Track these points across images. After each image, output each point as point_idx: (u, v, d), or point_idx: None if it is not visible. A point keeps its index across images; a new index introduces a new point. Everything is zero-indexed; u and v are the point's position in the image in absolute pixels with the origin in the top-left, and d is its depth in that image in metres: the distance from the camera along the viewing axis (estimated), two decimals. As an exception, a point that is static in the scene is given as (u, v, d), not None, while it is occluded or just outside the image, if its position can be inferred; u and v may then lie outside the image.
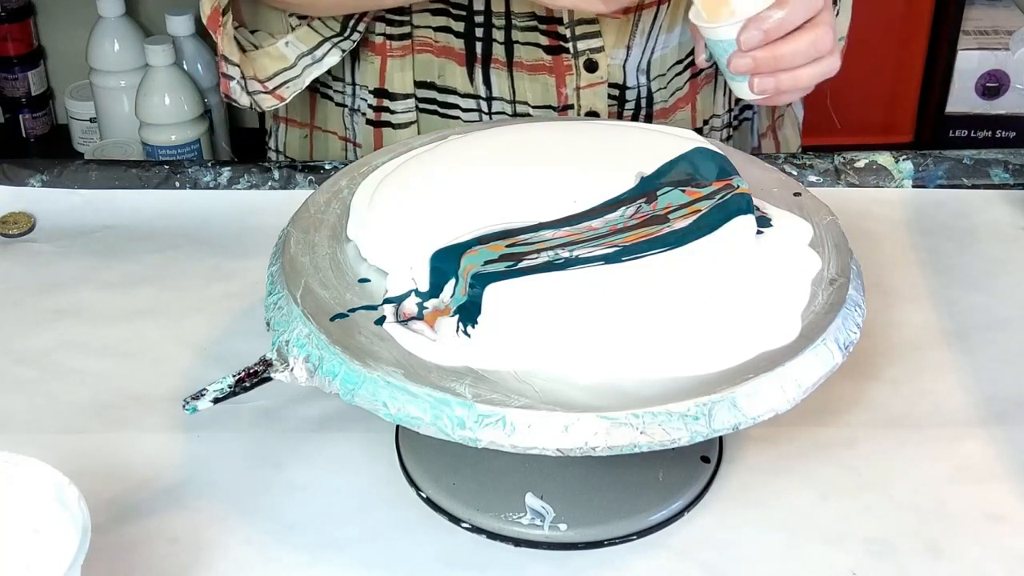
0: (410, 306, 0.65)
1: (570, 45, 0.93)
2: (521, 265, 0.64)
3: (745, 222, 0.67)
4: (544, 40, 0.93)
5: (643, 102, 0.97)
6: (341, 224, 0.71)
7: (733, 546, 0.66)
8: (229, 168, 0.97)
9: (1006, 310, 0.84)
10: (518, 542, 0.66)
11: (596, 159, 0.74)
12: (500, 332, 0.62)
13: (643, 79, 0.96)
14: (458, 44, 0.94)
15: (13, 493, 0.56)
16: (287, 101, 0.96)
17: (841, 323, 0.64)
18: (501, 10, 0.92)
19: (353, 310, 0.65)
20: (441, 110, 0.97)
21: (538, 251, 0.65)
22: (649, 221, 0.68)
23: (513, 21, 0.93)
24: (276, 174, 0.97)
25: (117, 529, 0.66)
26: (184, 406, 0.64)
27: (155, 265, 0.88)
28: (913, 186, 0.97)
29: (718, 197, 0.69)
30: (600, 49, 0.94)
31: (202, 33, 1.69)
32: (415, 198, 0.70)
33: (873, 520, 0.68)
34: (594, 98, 0.95)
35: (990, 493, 0.69)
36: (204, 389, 0.64)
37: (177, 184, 0.96)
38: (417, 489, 0.69)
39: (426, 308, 0.65)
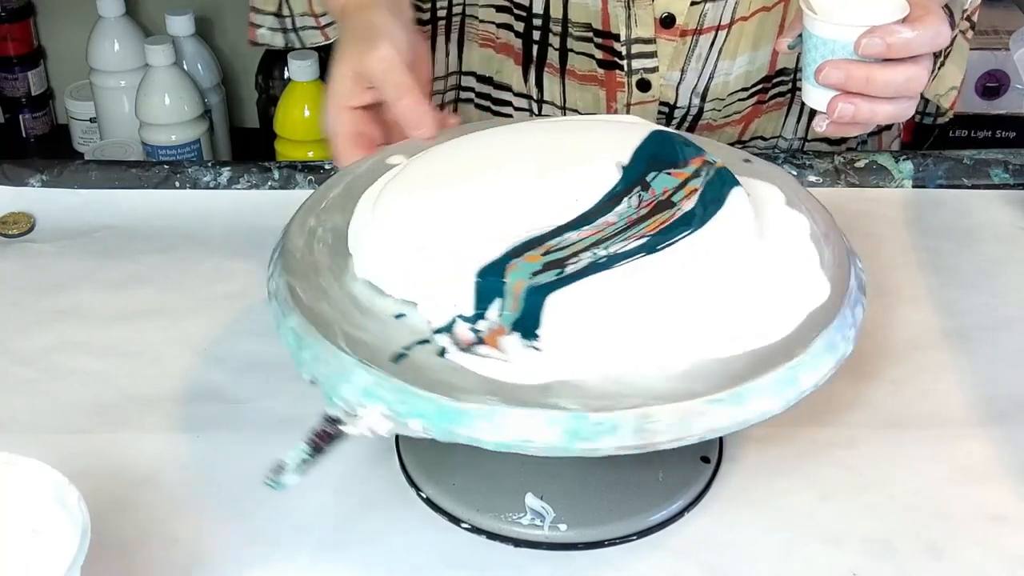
0: (464, 332, 0.62)
1: (624, 63, 0.93)
2: (568, 271, 0.63)
3: (740, 193, 0.69)
4: (599, 53, 0.93)
5: (690, 119, 0.97)
6: (335, 257, 0.68)
7: (733, 546, 0.66)
8: (229, 168, 0.97)
9: (1006, 310, 0.84)
10: (518, 542, 0.66)
11: (572, 157, 0.74)
12: (571, 339, 0.61)
13: (696, 100, 0.96)
14: (517, 43, 0.95)
15: (13, 493, 0.56)
16: (331, 40, 0.96)
17: (841, 323, 0.64)
18: (559, 16, 0.92)
19: (409, 348, 0.62)
20: (495, 107, 0.98)
21: (575, 254, 0.65)
22: (658, 207, 0.68)
23: (570, 29, 0.93)
24: (276, 174, 0.97)
25: (117, 529, 0.66)
26: (269, 484, 0.61)
27: (155, 265, 0.88)
28: (913, 186, 0.97)
29: (704, 175, 0.70)
30: (654, 70, 0.93)
31: (202, 33, 1.69)
32: (421, 225, 0.67)
33: (873, 520, 0.68)
34: (644, 114, 0.95)
35: (990, 493, 0.69)
36: (281, 463, 0.61)
37: (177, 184, 0.96)
38: (417, 489, 0.69)
39: (480, 331, 0.62)
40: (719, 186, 0.69)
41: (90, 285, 0.86)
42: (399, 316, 0.63)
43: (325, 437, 0.60)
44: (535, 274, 0.63)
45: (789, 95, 0.98)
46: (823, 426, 0.73)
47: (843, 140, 1.03)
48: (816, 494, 0.69)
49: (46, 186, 0.96)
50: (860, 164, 0.97)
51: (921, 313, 0.83)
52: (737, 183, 0.69)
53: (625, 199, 0.69)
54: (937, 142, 1.69)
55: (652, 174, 0.71)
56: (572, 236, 0.66)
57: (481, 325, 0.62)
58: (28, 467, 0.56)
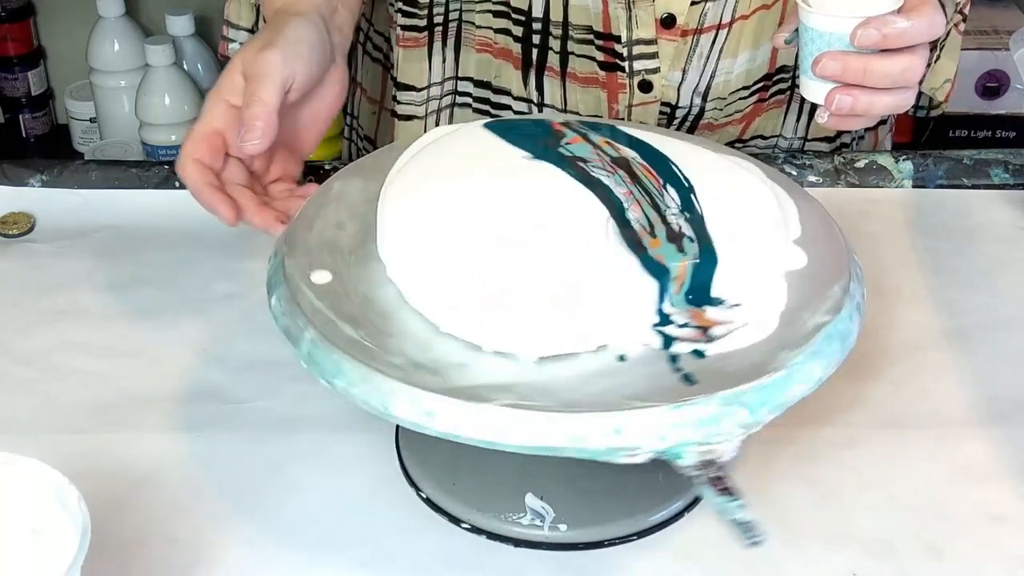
0: (682, 332, 0.61)
1: (626, 64, 0.93)
2: (695, 237, 0.67)
3: (624, 126, 0.79)
4: (600, 56, 0.93)
5: (691, 118, 0.97)
6: (452, 362, 0.60)
7: (733, 546, 0.66)
8: (229, 168, 0.97)
9: (1006, 310, 0.84)
10: (518, 542, 0.66)
11: (502, 163, 0.74)
12: (747, 283, 0.64)
13: (698, 100, 0.96)
14: (516, 48, 0.95)
15: (13, 493, 0.56)
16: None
17: (842, 323, 0.65)
18: (559, 19, 0.92)
19: (679, 369, 0.59)
20: (494, 111, 0.98)
21: (668, 224, 0.68)
22: (621, 164, 0.73)
23: (570, 32, 0.93)
24: (276, 174, 0.96)
25: (117, 529, 0.66)
26: (756, 542, 0.57)
27: (155, 265, 0.88)
28: (913, 186, 0.97)
29: (590, 130, 0.77)
30: (656, 70, 0.93)
31: (202, 33, 1.69)
32: (514, 278, 0.64)
33: (873, 520, 0.68)
34: (646, 114, 0.95)
35: (990, 493, 0.69)
36: (743, 523, 0.57)
37: (177, 184, 0.96)
38: (417, 489, 0.69)
39: (689, 322, 0.62)
40: (610, 131, 0.77)
41: (90, 285, 0.86)
42: (622, 358, 0.60)
43: (720, 480, 0.57)
44: (678, 253, 0.66)
45: (789, 92, 0.98)
46: (823, 426, 0.73)
47: (839, 135, 1.03)
48: (816, 494, 0.69)
49: (46, 186, 0.96)
50: (860, 164, 0.97)
51: (921, 313, 0.83)
52: (611, 125, 0.78)
53: (596, 174, 0.72)
54: (933, 136, 1.70)
55: (562, 150, 0.74)
56: (635, 215, 0.69)
57: (678, 320, 0.62)
58: (28, 467, 0.56)
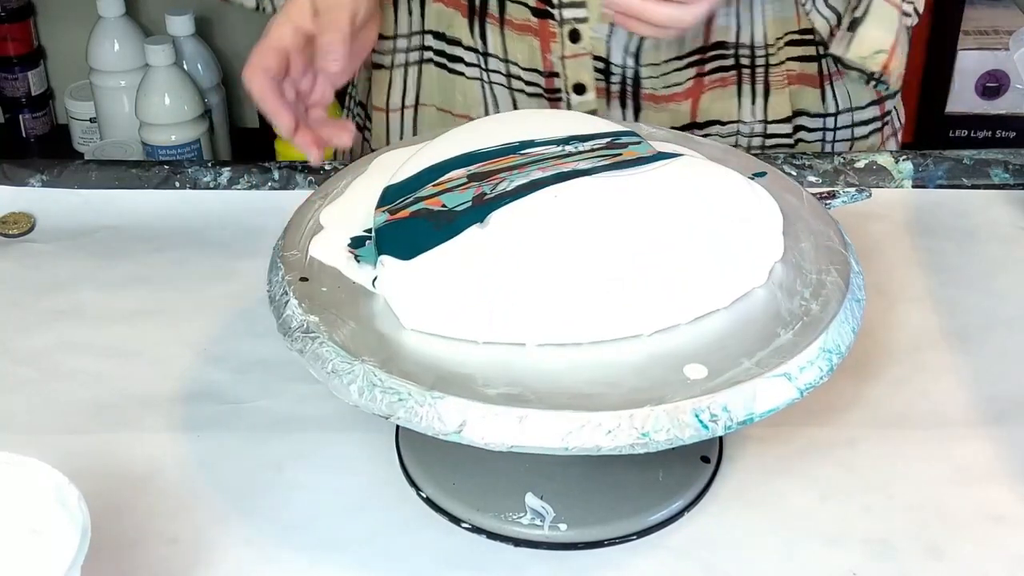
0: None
1: (556, 12, 0.94)
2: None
3: None
4: (532, 2, 0.94)
5: (629, 83, 0.97)
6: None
7: (733, 546, 0.66)
8: (229, 168, 0.97)
9: (1006, 310, 0.84)
10: (518, 542, 0.66)
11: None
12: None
13: (631, 61, 0.96)
14: None
15: (13, 493, 0.56)
16: None
17: (842, 323, 0.65)
18: None
19: None
20: (449, 63, 0.99)
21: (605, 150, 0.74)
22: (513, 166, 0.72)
23: None
24: (276, 174, 0.97)
25: (117, 529, 0.66)
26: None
27: (155, 265, 0.88)
28: (913, 186, 0.97)
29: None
30: (584, 20, 0.94)
31: (202, 33, 1.69)
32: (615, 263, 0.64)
33: (873, 520, 0.68)
34: (579, 69, 0.96)
35: (990, 493, 0.69)
36: None
37: (177, 184, 0.96)
38: (417, 489, 0.69)
39: None
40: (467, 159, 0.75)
41: (90, 285, 0.86)
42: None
43: None
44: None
45: (735, 72, 0.97)
46: (823, 426, 0.73)
47: (794, 116, 1.01)
48: (816, 494, 0.69)
49: (46, 186, 0.96)
50: (860, 164, 0.97)
51: (921, 313, 0.83)
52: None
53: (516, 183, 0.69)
54: (933, 136, 1.70)
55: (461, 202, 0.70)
56: (585, 164, 0.71)
57: None
58: (28, 467, 0.56)
